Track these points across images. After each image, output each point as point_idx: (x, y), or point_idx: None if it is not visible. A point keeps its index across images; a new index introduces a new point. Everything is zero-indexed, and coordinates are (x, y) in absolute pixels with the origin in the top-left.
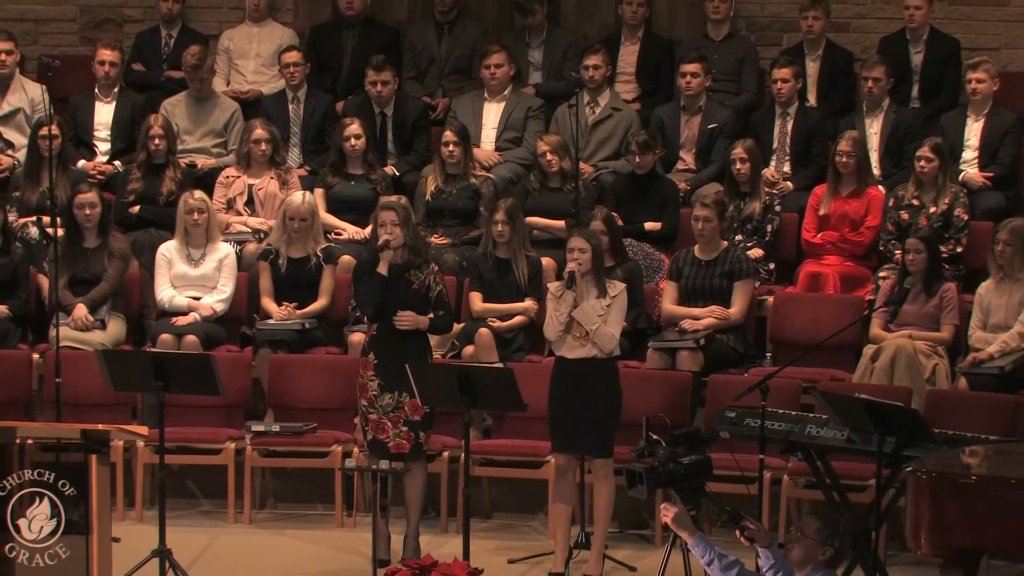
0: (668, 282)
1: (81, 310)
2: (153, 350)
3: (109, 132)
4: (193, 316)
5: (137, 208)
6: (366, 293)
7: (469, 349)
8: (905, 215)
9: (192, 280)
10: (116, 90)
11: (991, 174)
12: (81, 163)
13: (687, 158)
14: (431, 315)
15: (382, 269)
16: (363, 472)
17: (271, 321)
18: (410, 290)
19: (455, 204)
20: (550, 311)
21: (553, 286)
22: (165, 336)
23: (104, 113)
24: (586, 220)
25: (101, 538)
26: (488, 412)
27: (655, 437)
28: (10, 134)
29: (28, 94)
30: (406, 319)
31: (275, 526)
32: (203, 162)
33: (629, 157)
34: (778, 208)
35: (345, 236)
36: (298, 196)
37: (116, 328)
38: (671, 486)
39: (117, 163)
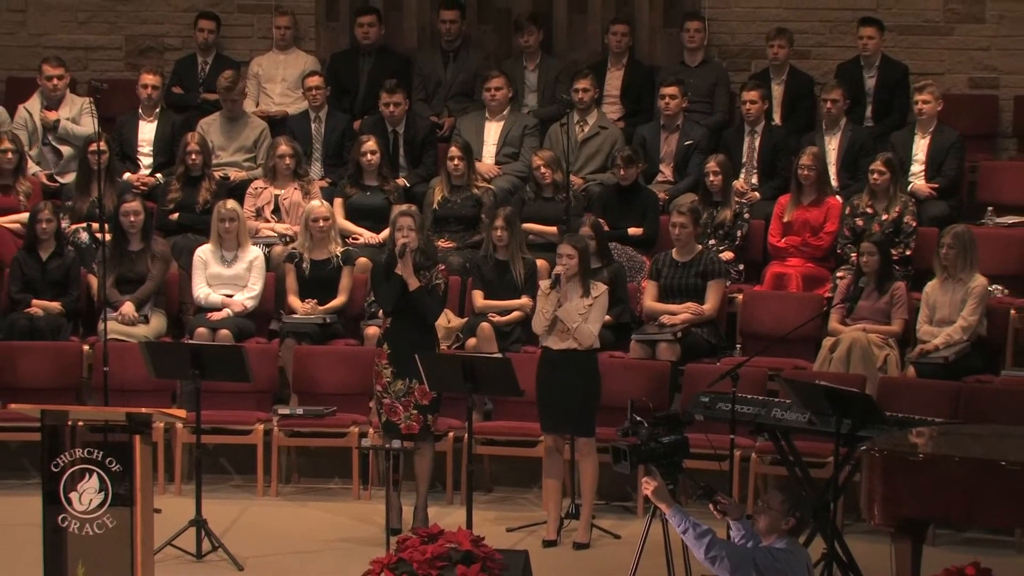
0: (649, 281)
1: (128, 307)
2: (191, 342)
3: (151, 148)
4: (226, 312)
5: (176, 215)
6: (386, 294)
7: (472, 341)
8: (860, 222)
9: (225, 280)
10: (157, 110)
11: (936, 185)
12: (126, 175)
13: (666, 171)
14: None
15: (400, 271)
16: (377, 450)
17: (296, 316)
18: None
19: (460, 212)
20: (539, 307)
21: (544, 284)
22: (201, 329)
23: (147, 131)
24: (576, 226)
25: (144, 509)
26: (489, 397)
27: (638, 419)
28: (63, 148)
29: (78, 107)
30: (407, 271)
31: (299, 498)
32: (235, 175)
33: (614, 170)
34: (747, 216)
35: (362, 240)
36: (316, 202)
37: (158, 322)
38: (652, 462)
39: (158, 175)
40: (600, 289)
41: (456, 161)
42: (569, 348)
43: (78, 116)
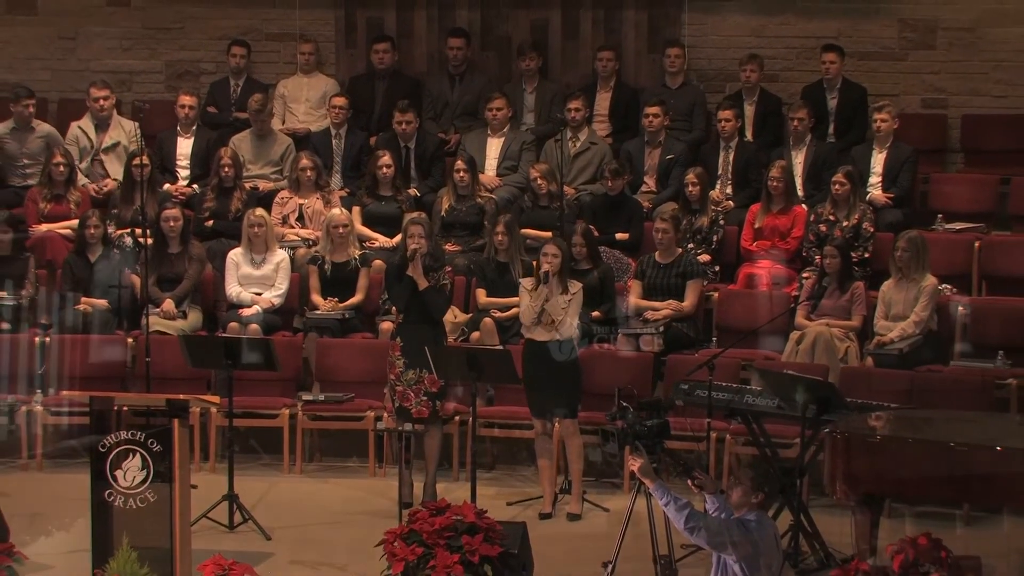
0: (634, 281)
1: (168, 303)
2: (224, 335)
3: (188, 161)
4: (256, 308)
5: (211, 222)
6: (399, 293)
7: (475, 335)
8: (823, 228)
9: (255, 279)
10: (194, 128)
11: (892, 195)
12: (166, 186)
13: (650, 182)
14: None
15: (411, 272)
16: (391, 432)
17: (318, 312)
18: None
19: (465, 219)
20: (524, 302)
21: (527, 282)
22: (233, 324)
23: (184, 146)
24: (569, 232)
25: (182, 485)
26: (491, 384)
27: (625, 405)
28: (110, 163)
29: (124, 130)
30: (417, 273)
31: (321, 476)
32: (263, 186)
33: (603, 181)
34: (722, 222)
35: (377, 244)
36: (336, 210)
37: (195, 317)
38: (637, 443)
39: (195, 186)
40: (576, 287)
41: (462, 173)
42: (551, 339)
43: (127, 144)
